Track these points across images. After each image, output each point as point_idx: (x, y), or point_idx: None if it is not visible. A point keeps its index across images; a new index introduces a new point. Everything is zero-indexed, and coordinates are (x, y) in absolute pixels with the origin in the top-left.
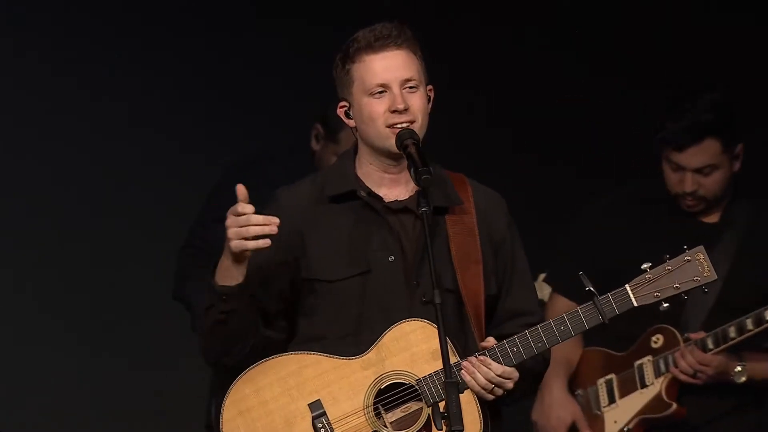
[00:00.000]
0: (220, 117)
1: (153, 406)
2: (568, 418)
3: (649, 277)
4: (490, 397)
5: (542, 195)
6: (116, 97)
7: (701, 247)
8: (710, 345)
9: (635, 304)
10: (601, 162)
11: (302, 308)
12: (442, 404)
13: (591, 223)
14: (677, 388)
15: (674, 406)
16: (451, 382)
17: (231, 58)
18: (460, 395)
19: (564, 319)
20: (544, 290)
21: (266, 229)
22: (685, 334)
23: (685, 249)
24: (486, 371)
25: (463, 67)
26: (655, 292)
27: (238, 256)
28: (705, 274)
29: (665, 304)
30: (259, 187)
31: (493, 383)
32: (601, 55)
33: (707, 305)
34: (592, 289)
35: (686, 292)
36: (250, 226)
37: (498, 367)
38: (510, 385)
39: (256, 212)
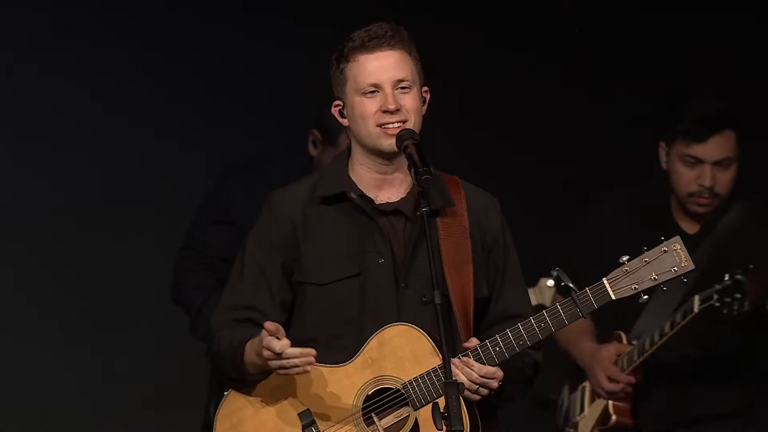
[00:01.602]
0: (219, 117)
1: (153, 406)
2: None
3: (627, 270)
4: (476, 397)
5: (541, 197)
6: (116, 97)
7: (678, 237)
8: (635, 357)
9: (613, 297)
10: (601, 165)
11: (294, 311)
12: (441, 404)
13: (595, 228)
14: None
15: (614, 418)
16: (451, 383)
17: (231, 59)
18: None
19: (544, 315)
20: (545, 293)
21: (304, 360)
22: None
23: (662, 240)
24: (468, 372)
25: (461, 67)
26: (633, 284)
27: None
28: (683, 264)
29: (645, 296)
30: (259, 188)
31: (476, 384)
32: (601, 56)
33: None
34: (570, 284)
35: (664, 283)
36: (290, 359)
37: (480, 368)
38: (495, 384)
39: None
